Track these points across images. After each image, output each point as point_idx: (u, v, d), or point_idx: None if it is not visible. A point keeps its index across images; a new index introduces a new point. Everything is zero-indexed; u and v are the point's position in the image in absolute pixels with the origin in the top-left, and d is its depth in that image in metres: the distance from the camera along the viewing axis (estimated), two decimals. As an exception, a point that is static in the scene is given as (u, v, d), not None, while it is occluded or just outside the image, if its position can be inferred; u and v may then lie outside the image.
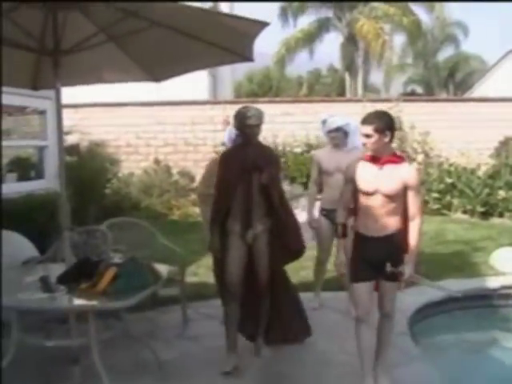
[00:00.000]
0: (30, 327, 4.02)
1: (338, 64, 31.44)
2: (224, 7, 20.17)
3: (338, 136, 5.29)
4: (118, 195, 10.87)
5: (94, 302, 3.62)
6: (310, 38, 25.55)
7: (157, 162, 12.66)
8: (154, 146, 13.15)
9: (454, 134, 12.44)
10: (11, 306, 3.72)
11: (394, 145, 12.51)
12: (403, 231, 3.72)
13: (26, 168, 8.50)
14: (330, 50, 29.48)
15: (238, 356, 4.36)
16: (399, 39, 29.76)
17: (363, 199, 3.70)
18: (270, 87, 38.07)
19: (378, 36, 23.36)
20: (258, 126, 4.33)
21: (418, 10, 25.33)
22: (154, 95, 12.10)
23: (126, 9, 3.81)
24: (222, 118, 12.55)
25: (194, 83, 12.97)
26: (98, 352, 3.64)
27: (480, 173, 11.42)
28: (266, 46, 31.97)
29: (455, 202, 11.02)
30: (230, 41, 4.01)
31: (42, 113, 7.75)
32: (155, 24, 3.94)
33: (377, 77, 31.42)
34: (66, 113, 4.48)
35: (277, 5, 25.33)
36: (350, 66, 26.75)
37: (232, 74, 23.91)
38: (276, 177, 4.44)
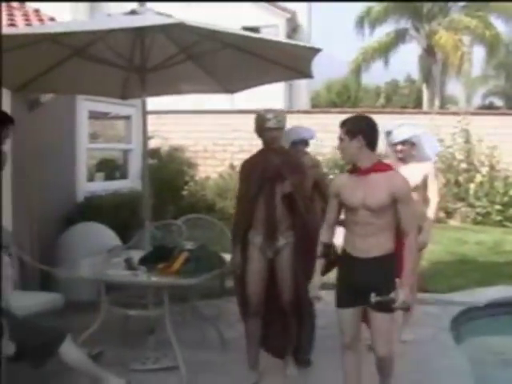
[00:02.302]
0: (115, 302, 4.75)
1: (415, 75, 31.36)
2: (302, 14, 20.75)
3: (404, 149, 4.81)
4: (194, 197, 11.49)
5: (168, 279, 4.27)
6: (386, 49, 25.68)
7: (232, 167, 13.30)
8: (230, 151, 13.86)
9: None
10: (101, 280, 4.48)
11: (461, 157, 12.82)
12: (397, 252, 3.30)
13: (112, 169, 9.29)
14: (406, 60, 29.48)
15: (260, 373, 4.26)
16: (479, 51, 29.36)
17: (349, 215, 3.34)
18: (348, 97, 38.25)
19: (456, 48, 23.21)
20: (278, 130, 4.08)
21: (495, 21, 25.00)
22: (231, 104, 12.82)
23: (201, 33, 4.44)
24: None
25: (270, 92, 13.61)
26: (171, 324, 4.29)
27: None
28: (345, 54, 32.21)
29: (518, 214, 11.14)
30: (290, 60, 4.56)
31: (127, 118, 8.45)
32: (226, 45, 4.55)
33: (456, 88, 31.12)
34: (148, 119, 4.92)
35: (354, 14, 25.64)
36: (427, 78, 26.67)
37: (309, 83, 24.40)
38: (301, 185, 4.16)
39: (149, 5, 4.48)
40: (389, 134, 4.87)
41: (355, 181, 3.32)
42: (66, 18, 8.85)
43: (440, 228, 11.05)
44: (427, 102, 26.68)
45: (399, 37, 25.90)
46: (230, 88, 5.45)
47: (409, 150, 4.83)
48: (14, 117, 5.60)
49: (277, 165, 4.07)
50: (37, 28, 4.88)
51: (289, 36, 20.47)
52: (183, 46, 4.81)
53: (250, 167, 4.20)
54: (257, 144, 4.36)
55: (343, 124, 3.33)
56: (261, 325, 4.24)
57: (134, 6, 4.42)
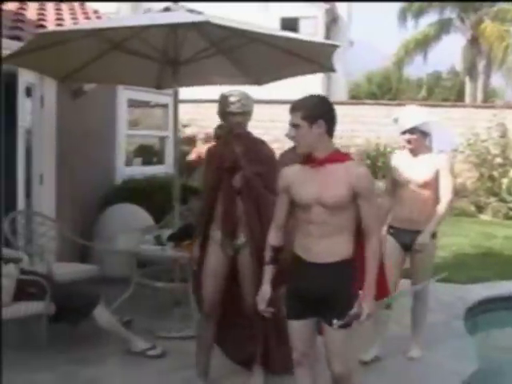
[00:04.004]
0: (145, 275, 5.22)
1: (459, 67, 30.95)
2: (342, 5, 20.87)
3: (414, 139, 4.24)
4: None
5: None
6: (429, 40, 25.48)
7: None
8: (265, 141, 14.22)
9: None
10: (133, 253, 4.98)
11: (496, 151, 12.85)
12: (358, 257, 2.84)
13: (150, 154, 9.75)
14: (450, 52, 29.14)
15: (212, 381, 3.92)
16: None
17: (300, 213, 2.85)
18: (390, 89, 38.01)
19: (501, 39, 22.85)
20: (242, 115, 3.70)
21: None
22: (268, 94, 13.15)
23: (231, 29, 4.80)
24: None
25: (308, 83, 13.88)
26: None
27: None
28: (387, 46, 32.06)
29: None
30: (311, 55, 4.89)
31: (164, 106, 8.81)
32: (253, 40, 4.90)
33: (501, 81, 30.57)
34: (186, 107, 5.25)
35: (397, 5, 25.55)
36: (471, 70, 26.34)
37: (349, 74, 24.51)
38: (265, 177, 3.67)
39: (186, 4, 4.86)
40: (396, 121, 4.39)
41: (308, 173, 2.84)
42: (109, 11, 9.33)
43: (470, 222, 11.21)
44: (470, 95, 26.41)
45: (443, 28, 25.61)
46: (257, 80, 5.79)
47: (419, 139, 4.25)
48: (59, 104, 6.14)
49: (236, 154, 3.69)
50: (82, 26, 5.33)
51: (327, 27, 20.65)
52: (213, 40, 5.17)
53: (211, 156, 3.87)
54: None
55: (298, 107, 2.81)
56: (215, 328, 3.84)
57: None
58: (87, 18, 7.91)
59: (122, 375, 4.08)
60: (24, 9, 6.74)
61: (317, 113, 2.78)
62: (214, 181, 3.74)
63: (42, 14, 6.91)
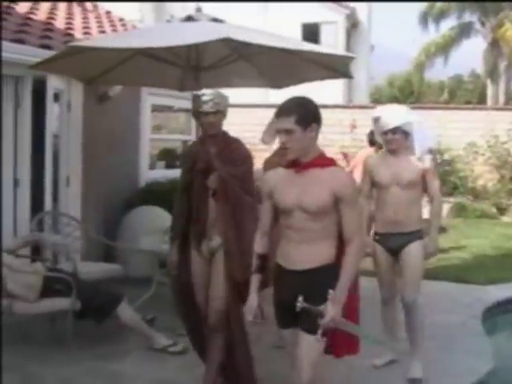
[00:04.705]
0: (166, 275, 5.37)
1: (480, 69, 30.78)
2: (362, 10, 20.94)
3: (396, 139, 4.07)
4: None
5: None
6: (450, 43, 25.42)
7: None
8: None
9: None
10: (155, 252, 5.19)
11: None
12: (336, 264, 2.73)
13: (173, 158, 9.92)
14: (471, 55, 29.01)
15: None
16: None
17: (282, 218, 2.78)
18: (411, 92, 37.90)
19: (522, 41, 22.78)
20: (215, 114, 3.57)
21: None
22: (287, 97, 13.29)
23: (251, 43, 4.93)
24: (349, 121, 13.62)
25: (329, 87, 14.00)
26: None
27: None
28: (408, 49, 31.99)
29: None
30: (329, 62, 5.02)
31: (187, 111, 9.06)
32: (272, 47, 5.04)
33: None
34: None
35: (417, 9, 25.52)
36: (492, 72, 26.20)
37: (370, 78, 24.54)
38: (241, 179, 3.57)
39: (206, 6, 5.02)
40: (376, 120, 4.21)
41: (291, 177, 2.76)
42: (134, 18, 9.54)
43: (491, 224, 11.21)
44: (492, 97, 26.26)
45: (463, 31, 25.54)
46: (276, 83, 5.94)
47: (401, 139, 4.09)
48: (85, 109, 6.35)
49: (209, 154, 3.57)
50: (109, 40, 5.51)
51: (348, 32, 20.70)
52: (235, 47, 5.33)
53: (185, 156, 3.82)
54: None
55: (290, 111, 2.67)
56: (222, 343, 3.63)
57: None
58: (113, 25, 8.14)
59: (144, 371, 4.23)
60: (53, 18, 6.97)
61: (310, 116, 2.70)
62: (186, 181, 3.68)
63: (70, 23, 7.14)
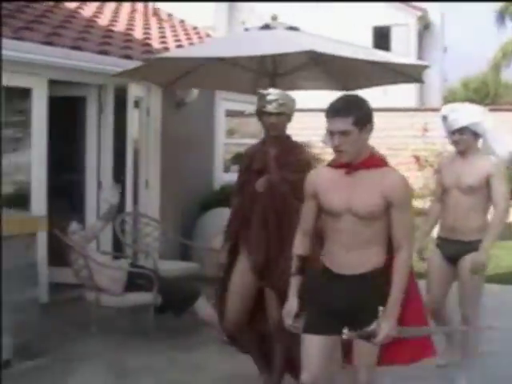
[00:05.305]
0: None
1: (562, 69, 29.53)
2: (435, 11, 20.60)
3: (464, 139, 3.83)
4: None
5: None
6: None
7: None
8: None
9: None
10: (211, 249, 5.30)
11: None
12: (387, 269, 2.58)
13: (245, 162, 10.17)
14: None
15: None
16: None
17: (330, 222, 2.63)
18: (487, 94, 36.86)
19: None
20: (278, 116, 3.39)
21: None
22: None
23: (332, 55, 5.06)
24: (421, 124, 13.49)
25: (401, 90, 13.92)
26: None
27: None
28: (483, 50, 31.11)
29: None
30: (401, 67, 5.10)
31: (259, 116, 9.28)
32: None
33: None
34: None
35: (493, 8, 24.82)
36: None
37: (442, 80, 24.10)
38: (286, 185, 3.36)
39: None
40: (444, 119, 3.95)
41: (339, 178, 2.60)
42: (207, 24, 9.89)
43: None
44: None
45: (544, 29, 24.69)
46: (344, 86, 6.06)
47: (469, 141, 3.84)
48: (163, 115, 6.67)
49: (267, 155, 3.42)
50: (192, 51, 5.79)
51: (420, 34, 20.44)
52: (311, 56, 5.48)
53: (243, 157, 3.69)
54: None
55: (347, 112, 2.49)
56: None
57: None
58: (187, 34, 8.48)
59: (219, 362, 4.41)
60: (132, 29, 7.37)
61: (367, 116, 2.54)
62: (241, 181, 3.53)
63: (148, 33, 7.52)
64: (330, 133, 2.51)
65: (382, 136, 14.85)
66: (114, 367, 4.31)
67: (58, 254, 5.04)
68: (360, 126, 2.49)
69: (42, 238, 4.96)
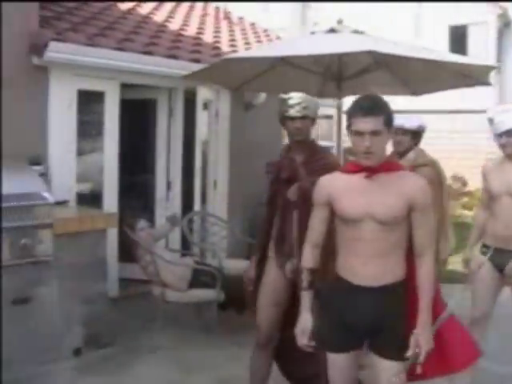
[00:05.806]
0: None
1: None
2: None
3: (511, 142, 3.68)
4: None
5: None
6: None
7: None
8: (429, 150, 14.14)
9: None
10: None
11: None
12: (411, 278, 2.47)
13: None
14: None
15: None
16: None
17: (346, 230, 2.47)
18: None
19: None
20: (302, 120, 3.30)
21: None
22: (430, 105, 13.08)
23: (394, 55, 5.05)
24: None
25: (479, 92, 13.54)
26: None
27: None
28: None
29: None
30: (467, 70, 4.99)
31: (329, 118, 9.30)
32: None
33: None
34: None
35: None
36: None
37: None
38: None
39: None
40: (491, 121, 3.84)
41: (356, 183, 2.46)
42: (276, 27, 9.97)
43: None
44: None
45: None
46: (414, 91, 5.98)
47: None
48: (232, 117, 6.81)
49: (294, 163, 3.29)
50: (258, 51, 5.89)
51: (500, 32, 19.76)
52: (376, 58, 5.47)
53: (271, 165, 3.56)
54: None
55: (379, 111, 2.37)
56: (270, 360, 3.47)
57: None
58: (257, 37, 8.60)
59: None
60: (202, 33, 7.55)
61: (392, 117, 2.43)
62: (270, 193, 3.39)
63: (217, 37, 7.68)
64: (356, 133, 2.38)
65: (457, 138, 14.61)
66: (176, 360, 4.47)
67: (129, 251, 5.27)
68: (388, 127, 2.40)
69: (112, 235, 5.20)
